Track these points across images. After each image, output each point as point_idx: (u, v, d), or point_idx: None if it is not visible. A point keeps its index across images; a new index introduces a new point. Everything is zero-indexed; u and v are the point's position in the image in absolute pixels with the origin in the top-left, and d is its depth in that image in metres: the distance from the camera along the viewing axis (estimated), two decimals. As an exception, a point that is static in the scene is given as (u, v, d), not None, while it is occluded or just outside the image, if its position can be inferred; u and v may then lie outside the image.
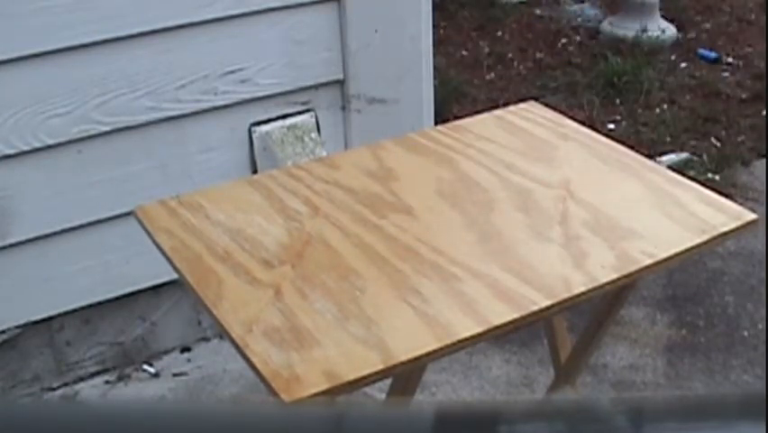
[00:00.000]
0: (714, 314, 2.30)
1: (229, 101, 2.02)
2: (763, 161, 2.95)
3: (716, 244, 1.22)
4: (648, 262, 1.13)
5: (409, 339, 1.02)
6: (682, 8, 4.08)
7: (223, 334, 1.05)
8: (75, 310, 2.05)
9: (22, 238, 1.92)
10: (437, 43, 2.65)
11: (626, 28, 3.77)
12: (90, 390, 2.12)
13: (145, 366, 2.19)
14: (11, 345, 2.03)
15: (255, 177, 1.31)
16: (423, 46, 2.18)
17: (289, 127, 2.10)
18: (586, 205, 1.20)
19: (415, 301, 1.07)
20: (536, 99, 1.51)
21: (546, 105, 1.51)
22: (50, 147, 1.87)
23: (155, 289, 2.11)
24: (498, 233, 1.18)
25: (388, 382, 1.08)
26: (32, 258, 1.95)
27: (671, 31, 3.83)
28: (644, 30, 3.73)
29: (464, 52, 3.78)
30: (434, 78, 2.30)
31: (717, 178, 2.84)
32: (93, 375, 2.16)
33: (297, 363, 0.99)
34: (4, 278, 1.94)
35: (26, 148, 1.85)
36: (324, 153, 2.03)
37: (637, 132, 3.14)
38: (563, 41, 3.88)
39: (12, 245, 1.91)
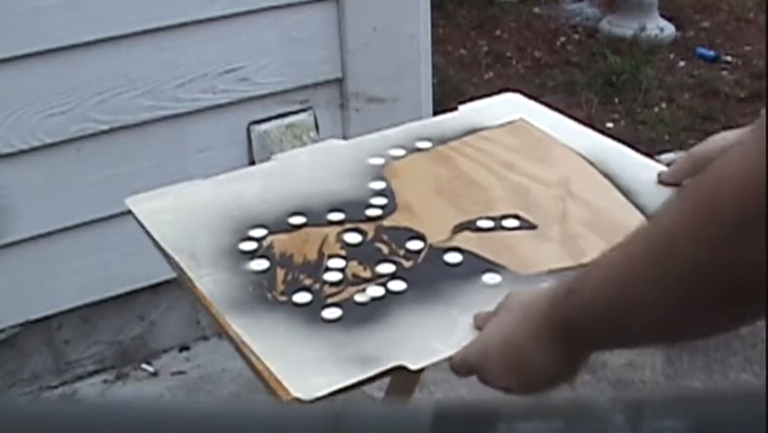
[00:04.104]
0: (712, 313, 2.30)
1: (228, 100, 2.02)
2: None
3: (714, 242, 1.21)
4: (647, 260, 1.13)
5: (408, 338, 1.02)
6: (681, 7, 4.09)
7: (221, 333, 1.05)
8: (73, 309, 2.05)
9: (21, 237, 1.92)
10: (436, 42, 2.65)
11: (625, 27, 3.78)
12: (89, 388, 2.13)
13: (144, 365, 2.20)
14: (10, 343, 2.03)
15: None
16: (421, 45, 2.18)
17: (288, 126, 2.10)
18: (585, 204, 1.20)
19: (413, 300, 1.07)
20: (535, 98, 1.51)
21: (545, 103, 1.51)
22: (48, 146, 1.87)
23: (154, 288, 2.11)
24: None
25: (386, 380, 1.08)
26: (30, 257, 1.95)
27: (669, 29, 3.83)
28: (643, 29, 3.73)
29: (463, 51, 3.78)
30: (433, 76, 2.30)
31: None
32: (91, 374, 2.16)
33: (296, 361, 0.99)
34: (2, 277, 1.94)
35: (25, 147, 1.85)
36: (323, 152, 2.03)
37: (636, 130, 3.14)
38: (562, 39, 3.89)
39: (10, 244, 1.91)
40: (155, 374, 2.18)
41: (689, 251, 0.67)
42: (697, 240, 0.66)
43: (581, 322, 0.80)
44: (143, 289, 2.11)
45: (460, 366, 0.94)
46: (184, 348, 2.24)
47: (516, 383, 0.88)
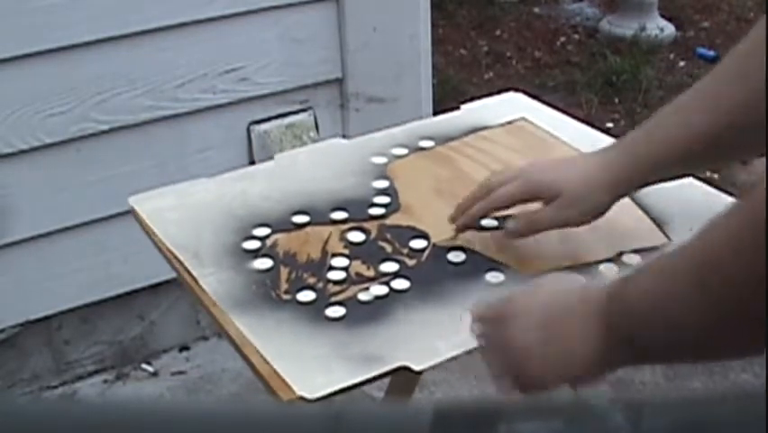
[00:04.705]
0: (713, 313, 2.30)
1: (228, 100, 2.02)
2: (763, 160, 2.95)
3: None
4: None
5: (408, 338, 1.02)
6: (681, 7, 4.09)
7: (221, 333, 1.05)
8: (73, 309, 2.05)
9: (21, 237, 1.92)
10: (436, 42, 2.65)
11: (625, 27, 3.78)
12: (89, 388, 2.13)
13: (144, 365, 2.20)
14: (10, 343, 2.03)
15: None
16: (421, 45, 2.18)
17: (288, 126, 2.10)
18: (585, 203, 1.20)
19: (413, 300, 1.07)
20: (535, 98, 1.51)
21: (547, 103, 1.51)
22: (48, 146, 1.87)
23: (154, 288, 2.11)
24: (496, 231, 1.18)
25: (386, 380, 1.08)
26: (30, 257, 1.95)
27: (669, 29, 3.83)
28: (643, 29, 3.73)
29: (463, 51, 3.78)
30: (433, 76, 2.30)
31: (716, 176, 2.85)
32: (91, 374, 2.16)
33: (296, 361, 0.99)
34: (2, 277, 1.94)
35: (25, 147, 1.85)
36: (323, 152, 2.03)
37: (636, 130, 3.14)
38: (562, 39, 3.89)
39: (10, 244, 1.91)
40: (155, 374, 2.18)
41: (731, 270, 0.67)
42: (740, 259, 0.66)
43: (620, 327, 0.78)
44: (143, 289, 2.11)
45: (490, 308, 0.89)
46: (184, 348, 2.24)
47: (536, 357, 0.83)
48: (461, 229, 1.12)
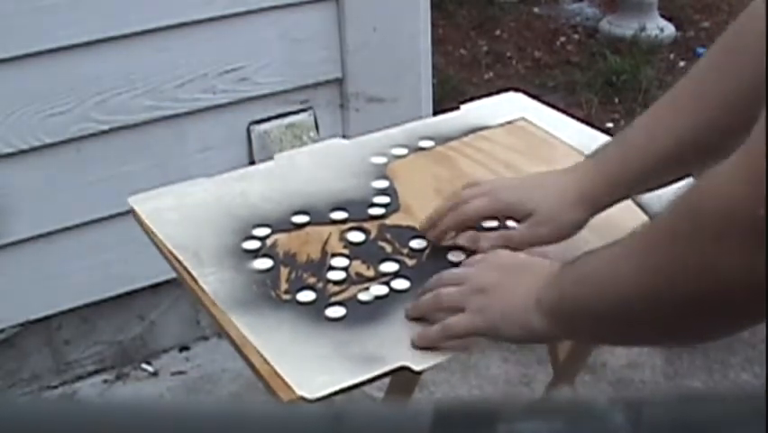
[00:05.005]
0: (712, 313, 2.30)
1: (228, 100, 2.02)
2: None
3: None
4: (647, 260, 1.12)
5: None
6: (681, 7, 4.09)
7: (221, 333, 1.05)
8: (73, 309, 2.05)
9: (21, 237, 1.92)
10: (436, 42, 2.65)
11: (625, 27, 3.78)
12: (89, 388, 2.13)
13: (144, 365, 2.20)
14: (9, 343, 2.03)
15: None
16: (421, 45, 2.18)
17: (288, 126, 2.10)
18: (585, 203, 1.20)
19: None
20: (535, 98, 1.52)
21: (547, 103, 1.51)
22: (48, 146, 1.87)
23: (154, 288, 2.11)
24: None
25: (386, 380, 1.08)
26: (30, 257, 1.95)
27: (669, 29, 3.83)
28: (643, 29, 3.73)
29: (463, 51, 3.78)
30: (433, 76, 2.30)
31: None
32: (91, 374, 2.16)
33: (296, 361, 0.99)
34: (2, 277, 1.94)
35: (25, 147, 1.85)
36: (323, 152, 2.03)
37: (636, 130, 3.14)
38: (562, 39, 3.89)
39: (10, 244, 1.91)
40: (155, 374, 2.18)
41: (667, 251, 0.73)
42: (677, 242, 0.71)
43: (563, 291, 0.86)
44: (143, 289, 2.11)
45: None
46: (184, 348, 2.24)
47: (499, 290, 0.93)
48: (435, 240, 1.12)
